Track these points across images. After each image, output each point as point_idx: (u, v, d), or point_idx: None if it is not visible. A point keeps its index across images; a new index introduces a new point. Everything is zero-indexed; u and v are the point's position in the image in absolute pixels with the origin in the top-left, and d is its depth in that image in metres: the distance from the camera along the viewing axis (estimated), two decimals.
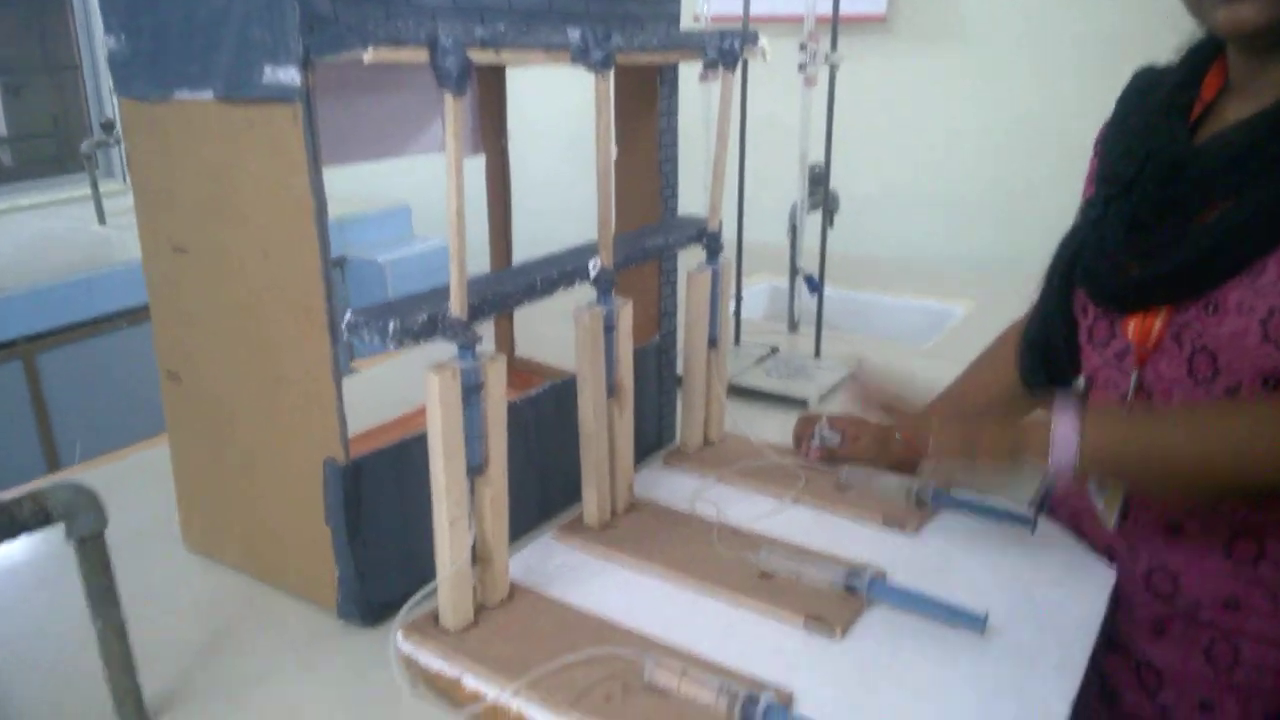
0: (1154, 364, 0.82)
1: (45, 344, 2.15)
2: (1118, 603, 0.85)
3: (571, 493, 0.93)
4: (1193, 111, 0.82)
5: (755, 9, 1.36)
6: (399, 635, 0.75)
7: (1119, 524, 0.86)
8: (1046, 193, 2.08)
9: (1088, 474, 0.80)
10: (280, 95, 0.67)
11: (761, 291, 1.89)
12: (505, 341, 1.25)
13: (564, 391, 0.93)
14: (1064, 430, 0.77)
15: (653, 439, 1.11)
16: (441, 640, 0.73)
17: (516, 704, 0.68)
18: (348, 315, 0.69)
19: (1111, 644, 0.86)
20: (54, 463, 2.16)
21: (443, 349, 0.71)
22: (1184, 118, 0.82)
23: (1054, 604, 0.80)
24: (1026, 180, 2.12)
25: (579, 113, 2.75)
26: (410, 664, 0.73)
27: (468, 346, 0.71)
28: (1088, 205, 0.90)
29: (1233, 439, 0.74)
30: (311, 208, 0.69)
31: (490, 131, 1.17)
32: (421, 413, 0.87)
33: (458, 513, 0.71)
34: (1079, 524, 0.92)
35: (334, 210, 2.89)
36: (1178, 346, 0.79)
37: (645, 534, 0.89)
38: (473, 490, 0.74)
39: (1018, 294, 1.80)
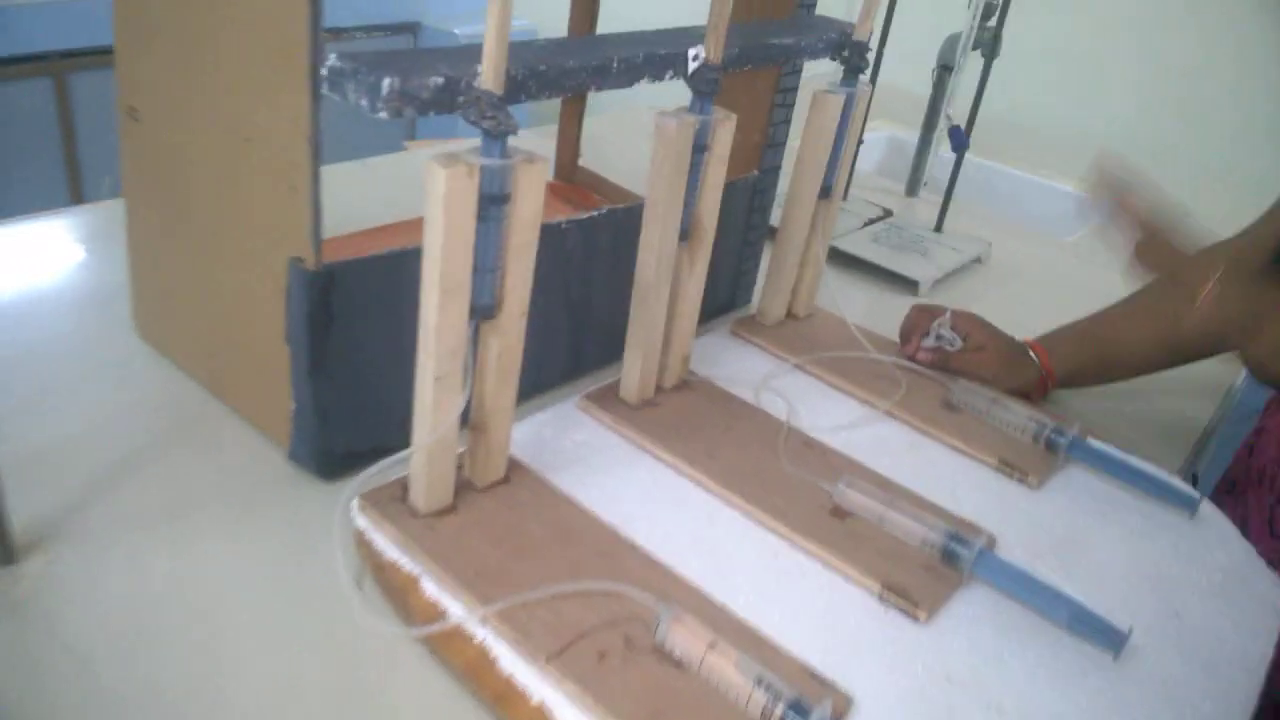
0: None
1: (80, 63, 1.95)
2: None
3: (613, 349, 0.73)
4: None
5: None
6: (354, 504, 0.57)
7: None
8: (1238, 86, 1.73)
9: None
10: None
11: (878, 141, 1.61)
12: (568, 147, 1.02)
13: (626, 221, 0.72)
14: None
15: (724, 298, 0.90)
16: (405, 523, 0.55)
17: (483, 635, 0.50)
18: (329, 59, 0.48)
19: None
20: (78, 194, 2.01)
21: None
22: None
23: (1210, 624, 0.60)
24: (1229, 69, 1.76)
25: None
26: (362, 544, 0.56)
27: (497, 135, 0.49)
28: None
29: None
30: None
31: None
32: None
33: (449, 366, 0.52)
34: (1274, 519, 0.70)
35: None
36: None
37: (693, 423, 0.69)
38: (476, 337, 0.54)
39: (1183, 199, 1.51)
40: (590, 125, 1.05)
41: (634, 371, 0.69)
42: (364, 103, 0.46)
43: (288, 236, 0.55)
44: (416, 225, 0.49)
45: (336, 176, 1.07)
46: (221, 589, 0.53)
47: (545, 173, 0.52)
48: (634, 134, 0.58)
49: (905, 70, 1.29)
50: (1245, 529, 0.70)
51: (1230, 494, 0.83)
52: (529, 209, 0.52)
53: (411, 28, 2.43)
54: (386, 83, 0.45)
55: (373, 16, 2.39)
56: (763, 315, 0.85)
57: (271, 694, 0.48)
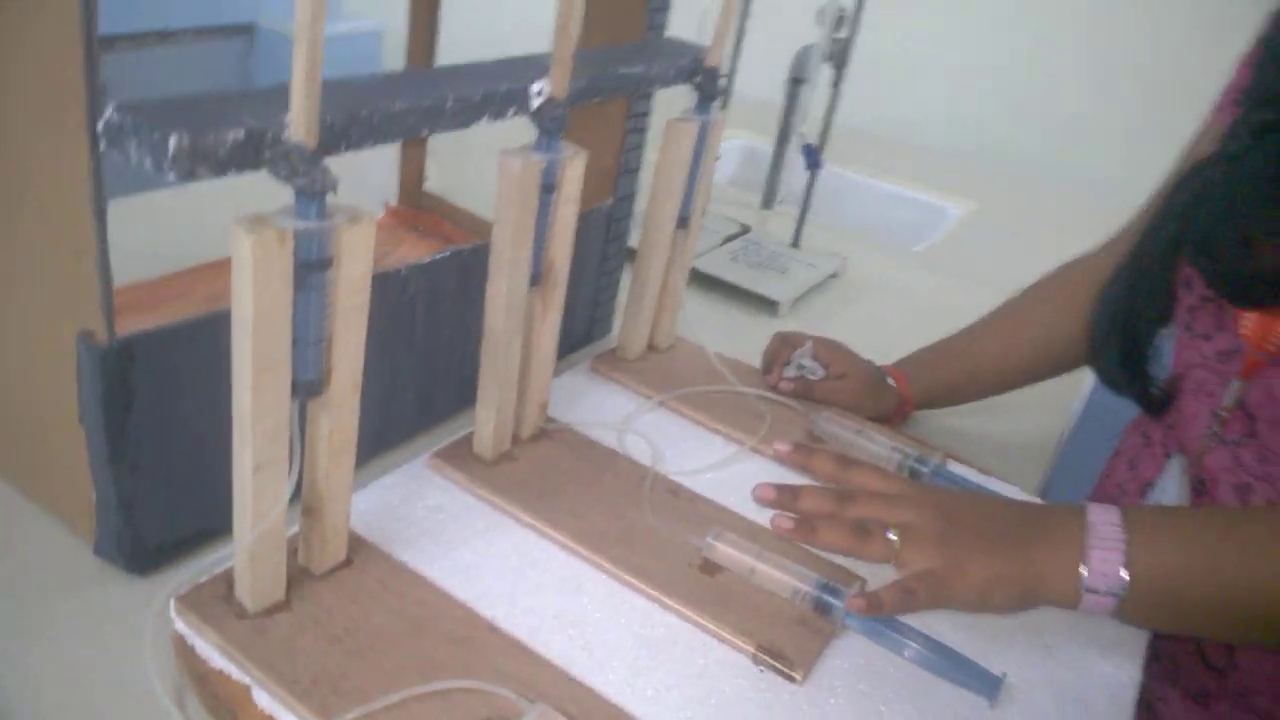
0: (1267, 381, 0.59)
1: None
2: (1158, 654, 0.66)
3: (466, 395, 0.67)
4: None
5: None
6: (172, 607, 0.50)
7: None
8: (1085, 79, 1.81)
9: (1137, 621, 0.58)
10: None
11: (732, 151, 1.61)
12: (412, 169, 0.96)
13: (474, 259, 0.67)
14: (1103, 562, 0.53)
15: (581, 332, 0.86)
16: (230, 625, 0.49)
17: None
18: (108, 112, 0.41)
19: (1143, 703, 0.68)
20: None
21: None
22: None
23: (1083, 661, 0.60)
24: (1063, 60, 1.84)
25: None
26: (182, 651, 0.50)
27: (312, 195, 0.43)
28: (1226, 136, 0.64)
29: None
30: None
31: None
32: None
33: (270, 453, 0.46)
34: None
35: None
36: None
37: (554, 477, 0.65)
38: (303, 415, 0.49)
39: (1026, 199, 1.57)
40: (438, 139, 0.99)
41: (487, 426, 0.65)
42: (148, 163, 0.40)
43: (75, 307, 0.48)
44: (214, 270, 0.43)
45: (168, 199, 0.97)
46: (15, 709, 0.46)
47: (373, 229, 0.46)
48: (486, 148, 0.54)
49: (760, 77, 1.29)
50: None
51: None
52: (356, 271, 0.46)
53: (247, 30, 2.29)
54: (174, 140, 0.39)
55: (205, 18, 2.22)
56: (623, 349, 0.82)
57: None
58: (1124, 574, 0.52)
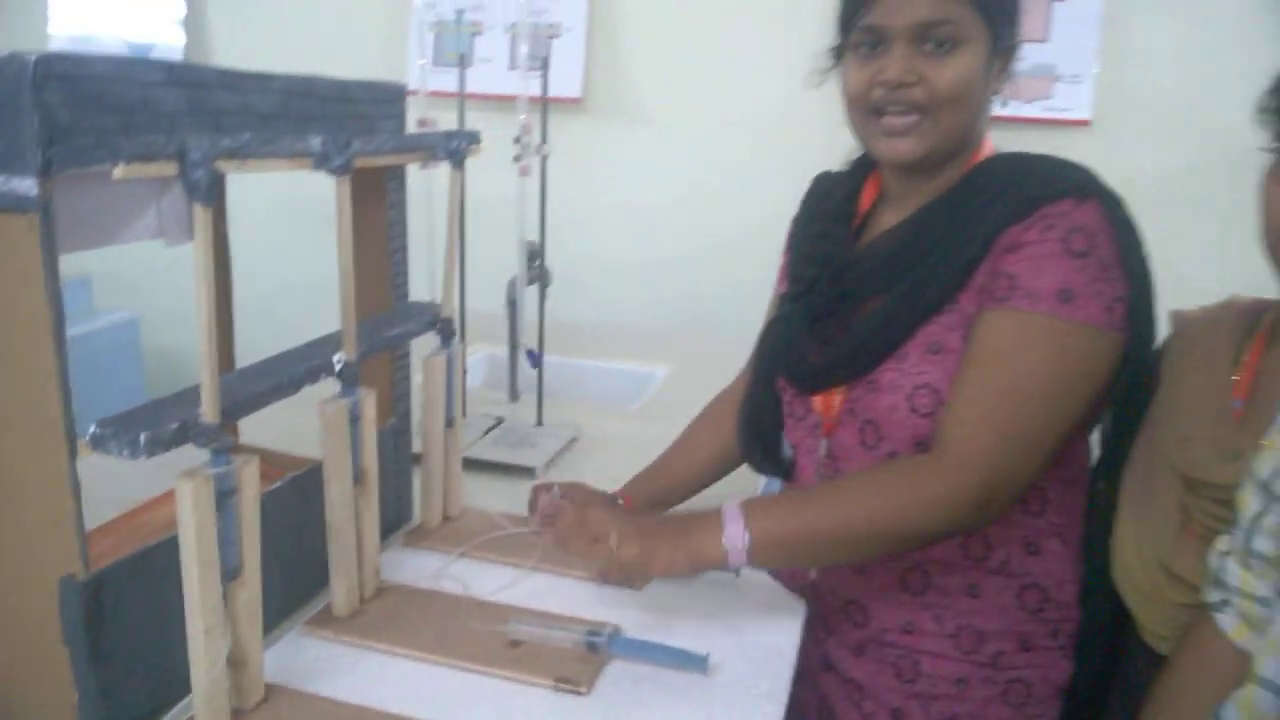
0: (837, 434, 0.99)
1: None
2: (828, 630, 1.01)
3: (316, 582, 0.94)
4: (857, 218, 1.01)
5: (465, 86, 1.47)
6: None
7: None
8: (727, 260, 2.35)
9: (763, 564, 0.91)
10: (15, 205, 0.65)
11: (479, 361, 1.95)
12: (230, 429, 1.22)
13: (305, 481, 0.94)
14: (733, 531, 0.86)
15: (392, 519, 1.14)
16: None
17: None
18: (92, 429, 0.68)
19: (826, 665, 1.02)
20: None
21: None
22: (848, 226, 1.02)
23: (759, 637, 0.94)
24: (709, 248, 2.37)
25: (292, 193, 2.63)
26: None
27: (222, 451, 0.72)
28: (781, 301, 1.07)
29: (864, 503, 0.86)
30: (49, 320, 0.67)
31: None
32: (160, 502, 0.85)
33: (213, 620, 0.72)
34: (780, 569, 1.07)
35: None
36: (852, 419, 0.96)
37: (396, 617, 0.92)
38: (226, 595, 0.74)
39: (709, 355, 2.01)
40: None
41: (340, 592, 0.91)
42: (126, 452, 0.67)
43: (56, 561, 0.72)
44: (135, 515, 0.70)
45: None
46: None
47: (257, 465, 0.75)
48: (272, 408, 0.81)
49: (490, 295, 1.65)
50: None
51: None
52: (251, 493, 0.74)
53: None
54: (143, 436, 0.67)
55: None
56: (426, 524, 1.11)
57: None
58: (746, 535, 0.86)
